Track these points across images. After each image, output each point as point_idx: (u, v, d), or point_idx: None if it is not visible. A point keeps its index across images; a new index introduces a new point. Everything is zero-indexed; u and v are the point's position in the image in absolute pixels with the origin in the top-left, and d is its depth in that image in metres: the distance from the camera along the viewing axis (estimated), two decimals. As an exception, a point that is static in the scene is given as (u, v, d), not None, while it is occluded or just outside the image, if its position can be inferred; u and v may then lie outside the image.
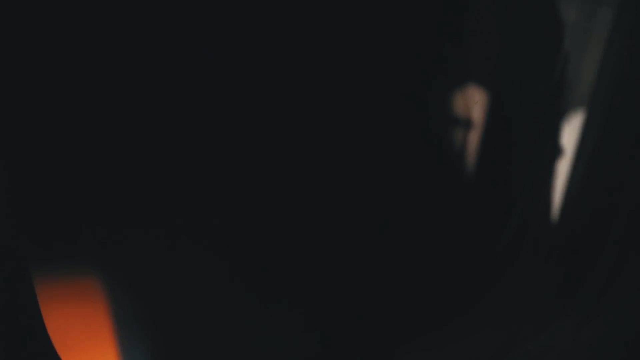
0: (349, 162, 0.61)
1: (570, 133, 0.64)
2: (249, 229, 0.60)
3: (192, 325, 0.60)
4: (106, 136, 0.52)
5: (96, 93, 0.51)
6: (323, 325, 0.64)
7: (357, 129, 0.60)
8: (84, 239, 0.53)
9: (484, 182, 0.67)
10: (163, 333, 0.59)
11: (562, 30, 0.64)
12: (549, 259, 0.67)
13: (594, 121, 0.61)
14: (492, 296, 0.68)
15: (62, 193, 0.52)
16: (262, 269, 0.61)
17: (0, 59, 0.47)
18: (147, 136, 0.54)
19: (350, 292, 0.65)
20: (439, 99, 0.64)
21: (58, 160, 0.51)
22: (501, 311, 0.67)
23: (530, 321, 0.66)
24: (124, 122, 0.53)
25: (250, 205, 0.59)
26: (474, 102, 0.64)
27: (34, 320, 0.47)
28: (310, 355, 0.64)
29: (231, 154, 0.57)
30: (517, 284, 0.68)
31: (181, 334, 0.60)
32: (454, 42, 0.62)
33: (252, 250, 0.61)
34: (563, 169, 0.67)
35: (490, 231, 0.68)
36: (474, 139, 0.67)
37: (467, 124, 0.66)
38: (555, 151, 0.67)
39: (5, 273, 0.45)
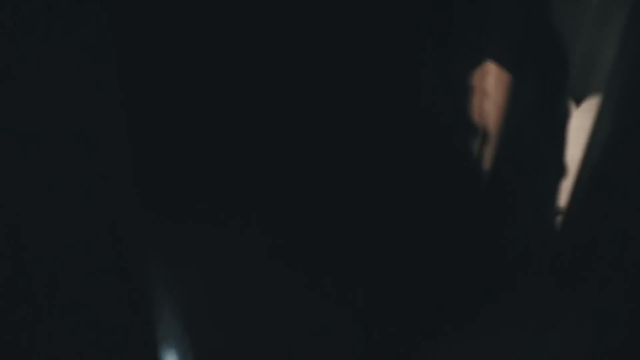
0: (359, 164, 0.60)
1: (580, 136, 0.62)
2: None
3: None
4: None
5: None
6: (345, 326, 0.65)
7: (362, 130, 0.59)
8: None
9: (492, 193, 0.67)
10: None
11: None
12: (552, 269, 0.67)
13: (602, 125, 0.58)
14: (503, 301, 0.69)
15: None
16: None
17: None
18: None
19: (364, 295, 0.65)
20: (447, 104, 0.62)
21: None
22: (510, 315, 0.68)
23: (535, 324, 0.67)
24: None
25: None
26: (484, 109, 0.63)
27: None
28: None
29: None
30: (526, 290, 0.69)
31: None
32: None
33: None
34: (568, 181, 0.66)
35: (500, 240, 0.69)
36: (484, 147, 0.66)
37: (478, 131, 0.65)
38: (560, 166, 0.66)
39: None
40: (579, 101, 0.78)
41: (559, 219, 0.72)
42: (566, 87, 0.68)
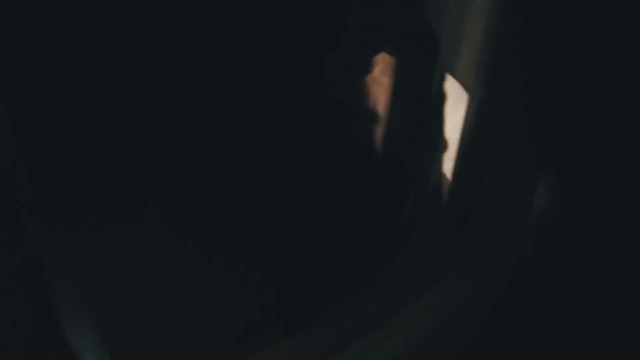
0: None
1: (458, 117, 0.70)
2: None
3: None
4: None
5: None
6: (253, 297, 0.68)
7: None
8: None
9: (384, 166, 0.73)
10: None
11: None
12: (438, 234, 0.76)
13: (472, 110, 0.67)
14: (396, 260, 0.76)
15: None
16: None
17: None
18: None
19: (272, 266, 0.69)
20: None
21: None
22: (403, 273, 0.76)
23: (424, 281, 0.76)
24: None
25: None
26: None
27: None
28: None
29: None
30: (414, 249, 0.77)
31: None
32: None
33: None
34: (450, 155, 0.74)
35: (391, 211, 0.76)
36: (375, 127, 0.71)
37: (370, 114, 0.70)
38: (440, 142, 0.74)
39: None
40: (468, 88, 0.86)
41: (442, 188, 0.81)
42: (436, 69, 0.75)
